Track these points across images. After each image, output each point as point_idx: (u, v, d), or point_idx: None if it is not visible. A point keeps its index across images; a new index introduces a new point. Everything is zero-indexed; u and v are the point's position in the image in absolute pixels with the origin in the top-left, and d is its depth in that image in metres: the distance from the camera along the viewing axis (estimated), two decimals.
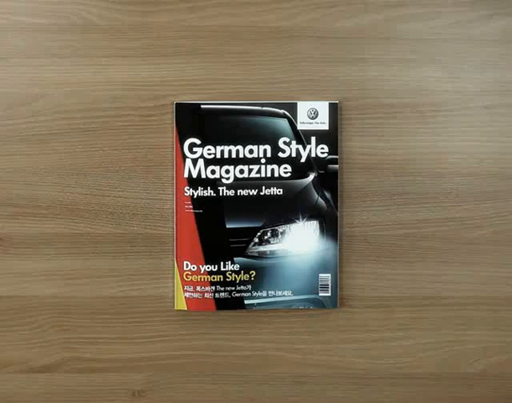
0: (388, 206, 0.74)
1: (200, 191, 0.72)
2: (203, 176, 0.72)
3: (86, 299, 0.73)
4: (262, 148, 0.72)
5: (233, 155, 0.72)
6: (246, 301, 0.73)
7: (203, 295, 0.73)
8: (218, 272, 0.73)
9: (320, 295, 0.73)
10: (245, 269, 0.73)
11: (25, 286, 0.73)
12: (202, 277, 0.73)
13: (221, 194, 0.72)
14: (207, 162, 0.72)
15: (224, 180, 0.72)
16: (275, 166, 0.73)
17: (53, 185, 0.72)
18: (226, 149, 0.72)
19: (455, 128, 0.73)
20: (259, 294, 0.73)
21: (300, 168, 0.73)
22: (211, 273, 0.73)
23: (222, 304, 0.73)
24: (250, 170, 0.72)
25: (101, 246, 0.73)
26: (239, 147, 0.72)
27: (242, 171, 0.72)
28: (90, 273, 0.73)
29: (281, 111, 0.72)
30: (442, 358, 0.75)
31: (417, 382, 0.74)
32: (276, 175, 0.73)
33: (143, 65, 0.72)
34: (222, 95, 0.72)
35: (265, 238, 0.73)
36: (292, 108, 0.72)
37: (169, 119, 0.72)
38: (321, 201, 0.73)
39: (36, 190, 0.72)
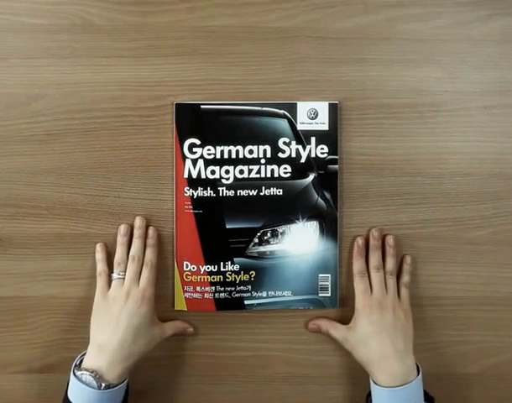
0: (387, 206, 0.74)
1: (200, 192, 0.72)
2: (203, 177, 0.72)
3: (86, 299, 0.72)
4: (262, 148, 0.72)
5: (233, 156, 0.72)
6: (246, 302, 0.73)
7: (203, 296, 0.73)
8: (218, 272, 0.73)
9: (319, 295, 0.73)
10: (245, 269, 0.73)
11: (25, 287, 0.73)
12: (202, 277, 0.73)
13: (221, 194, 0.72)
14: (207, 162, 0.72)
15: (224, 181, 0.72)
16: (275, 166, 0.72)
17: (52, 185, 0.72)
18: (226, 149, 0.72)
19: (455, 128, 0.73)
20: (259, 294, 0.73)
21: (299, 168, 0.73)
22: (210, 273, 0.73)
23: (221, 304, 0.73)
24: (250, 171, 0.72)
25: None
26: (239, 147, 0.72)
27: (242, 171, 0.72)
28: (89, 273, 0.73)
29: (281, 111, 0.72)
30: (441, 358, 0.75)
31: None
32: (276, 175, 0.73)
33: (142, 66, 0.72)
34: (221, 95, 0.72)
35: (265, 238, 0.73)
36: (292, 109, 0.72)
37: (169, 119, 0.72)
38: (320, 201, 0.73)
39: (36, 190, 0.72)
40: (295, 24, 0.72)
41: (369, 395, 0.69)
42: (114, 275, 0.70)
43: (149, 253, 0.71)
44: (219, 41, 0.72)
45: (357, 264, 0.71)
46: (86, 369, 0.65)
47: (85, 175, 0.73)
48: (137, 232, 0.71)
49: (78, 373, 0.65)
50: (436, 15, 0.73)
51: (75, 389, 0.65)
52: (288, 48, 0.72)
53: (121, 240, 0.71)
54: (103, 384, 0.64)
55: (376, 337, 0.67)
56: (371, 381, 0.68)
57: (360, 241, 0.72)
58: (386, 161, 0.73)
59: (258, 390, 0.76)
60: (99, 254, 0.71)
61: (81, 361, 0.67)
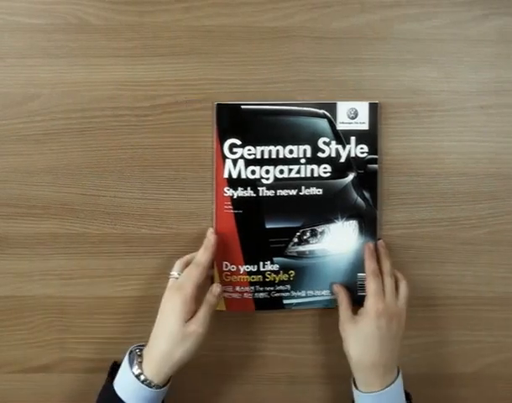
0: (384, 206, 0.74)
1: (240, 192, 0.72)
2: (243, 177, 0.72)
3: (83, 299, 0.72)
4: (302, 148, 0.72)
5: (273, 155, 0.72)
6: (285, 301, 0.73)
7: (242, 296, 0.73)
8: (258, 272, 0.73)
9: (358, 294, 0.72)
10: (284, 269, 0.73)
11: (21, 286, 0.73)
12: (242, 277, 0.73)
13: (260, 194, 0.72)
14: (247, 162, 0.72)
15: (264, 181, 0.72)
16: (315, 166, 0.72)
17: (49, 185, 0.72)
18: (266, 149, 0.72)
19: (451, 128, 0.73)
20: (298, 294, 0.73)
21: (339, 168, 0.72)
22: (250, 273, 0.73)
23: (261, 304, 0.73)
24: (290, 170, 0.72)
25: (98, 246, 0.73)
26: (279, 147, 0.72)
27: (282, 171, 0.72)
28: (86, 273, 0.73)
29: (321, 111, 0.72)
30: (437, 358, 0.75)
31: (414, 382, 0.74)
32: (316, 175, 0.72)
33: (139, 65, 0.72)
34: (218, 95, 0.72)
35: (304, 237, 0.73)
36: (332, 108, 0.72)
37: (166, 119, 0.72)
38: (360, 200, 0.73)
39: (32, 190, 0.72)
40: (291, 24, 0.72)
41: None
42: (172, 274, 0.69)
43: (202, 255, 0.68)
44: (215, 41, 0.72)
45: (372, 265, 0.70)
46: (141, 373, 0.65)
47: (81, 175, 0.72)
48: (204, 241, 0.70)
49: (136, 370, 0.65)
50: (432, 15, 0.73)
51: (126, 382, 0.65)
52: (284, 48, 0.72)
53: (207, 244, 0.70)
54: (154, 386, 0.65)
55: (377, 342, 0.66)
56: (353, 386, 0.68)
57: (371, 244, 0.72)
58: (382, 161, 0.73)
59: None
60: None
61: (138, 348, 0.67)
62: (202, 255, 0.68)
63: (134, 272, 0.73)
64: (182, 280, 0.67)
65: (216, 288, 0.69)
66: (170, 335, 0.64)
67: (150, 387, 0.64)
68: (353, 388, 0.68)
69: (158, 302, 0.73)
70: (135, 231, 0.73)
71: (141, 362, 0.65)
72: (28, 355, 0.74)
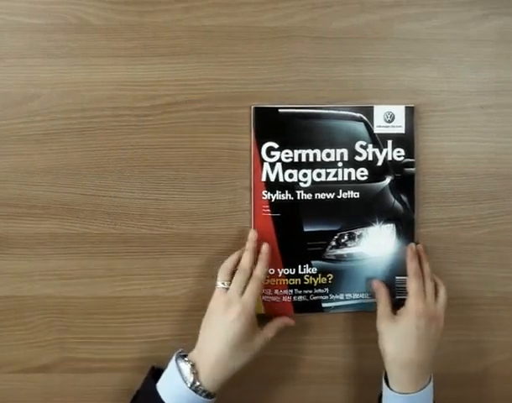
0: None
1: (278, 195, 0.72)
2: (281, 180, 0.72)
3: (82, 299, 0.72)
4: (339, 151, 0.72)
5: (311, 159, 0.72)
6: (323, 304, 0.74)
7: (281, 299, 0.73)
8: (296, 275, 0.73)
9: (397, 297, 0.72)
10: (322, 272, 0.73)
11: (21, 286, 0.73)
12: (280, 280, 0.73)
13: (298, 197, 0.72)
14: (285, 166, 0.72)
15: (302, 184, 0.72)
16: (352, 170, 0.72)
17: (49, 185, 0.72)
18: (303, 152, 0.72)
19: (451, 128, 0.73)
20: (337, 297, 0.73)
21: (376, 171, 0.73)
22: (288, 276, 0.73)
23: (299, 307, 0.73)
24: (327, 174, 0.72)
25: (98, 246, 0.73)
26: (316, 151, 0.72)
27: (319, 175, 0.72)
28: (86, 273, 0.73)
29: (358, 114, 0.72)
30: (442, 358, 0.75)
31: None
32: (353, 178, 0.72)
33: (139, 65, 0.72)
34: (218, 95, 0.72)
35: (342, 241, 0.73)
36: (369, 112, 0.72)
37: (167, 119, 0.72)
38: (397, 204, 0.73)
39: (32, 190, 0.72)
40: (291, 24, 0.72)
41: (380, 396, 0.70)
42: (218, 284, 0.68)
43: (259, 269, 0.68)
44: (215, 41, 0.72)
45: (414, 266, 0.70)
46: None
47: (81, 175, 0.72)
48: (248, 245, 0.70)
49: (189, 376, 0.64)
50: (432, 15, 0.73)
51: (173, 386, 0.64)
52: (284, 48, 0.72)
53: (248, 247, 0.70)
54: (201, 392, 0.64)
55: (415, 341, 0.66)
56: (384, 385, 0.68)
57: (414, 246, 0.72)
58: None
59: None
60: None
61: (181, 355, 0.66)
62: (261, 270, 0.68)
63: (134, 272, 0.73)
64: (246, 297, 0.65)
65: (290, 321, 0.72)
66: (232, 346, 0.64)
67: (199, 393, 0.63)
68: (384, 384, 0.68)
69: (158, 302, 0.73)
70: (135, 231, 0.73)
71: (195, 372, 0.64)
72: (28, 355, 0.74)
